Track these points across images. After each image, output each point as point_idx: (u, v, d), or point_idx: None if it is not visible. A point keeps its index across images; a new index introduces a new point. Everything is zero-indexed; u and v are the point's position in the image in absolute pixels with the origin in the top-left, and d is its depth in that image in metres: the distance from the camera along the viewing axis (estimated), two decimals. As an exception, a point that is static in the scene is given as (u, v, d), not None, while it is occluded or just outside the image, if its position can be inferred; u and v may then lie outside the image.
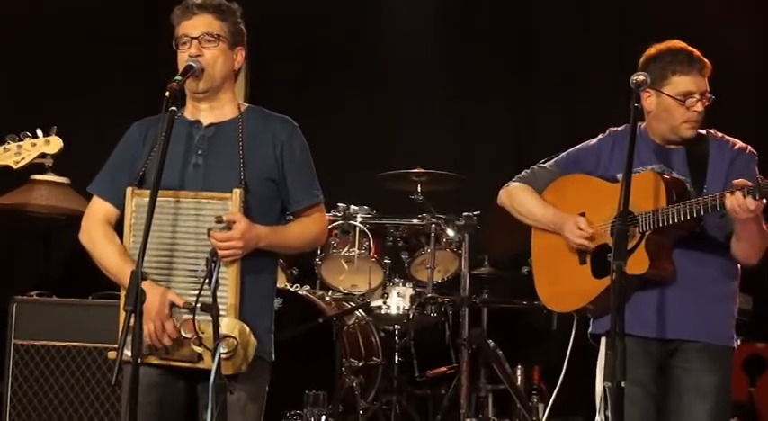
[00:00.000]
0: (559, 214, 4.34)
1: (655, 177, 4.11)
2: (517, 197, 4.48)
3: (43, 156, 4.37)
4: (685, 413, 4.08)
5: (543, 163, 4.51)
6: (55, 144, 4.35)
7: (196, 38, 3.98)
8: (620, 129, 4.32)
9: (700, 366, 4.10)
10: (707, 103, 4.18)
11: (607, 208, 4.12)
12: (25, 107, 7.65)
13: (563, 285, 4.36)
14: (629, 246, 3.93)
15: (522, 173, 4.54)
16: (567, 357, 4.34)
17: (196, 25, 4.00)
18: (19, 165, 4.36)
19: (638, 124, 4.19)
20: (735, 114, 7.82)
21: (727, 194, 3.87)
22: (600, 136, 4.40)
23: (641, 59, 4.26)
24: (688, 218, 3.96)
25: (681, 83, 4.16)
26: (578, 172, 4.37)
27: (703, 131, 4.25)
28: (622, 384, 3.49)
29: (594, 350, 4.22)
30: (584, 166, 4.36)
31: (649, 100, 4.21)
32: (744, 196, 3.83)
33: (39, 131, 4.34)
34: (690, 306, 4.10)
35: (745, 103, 7.71)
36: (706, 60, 4.20)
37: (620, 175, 4.09)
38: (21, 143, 4.32)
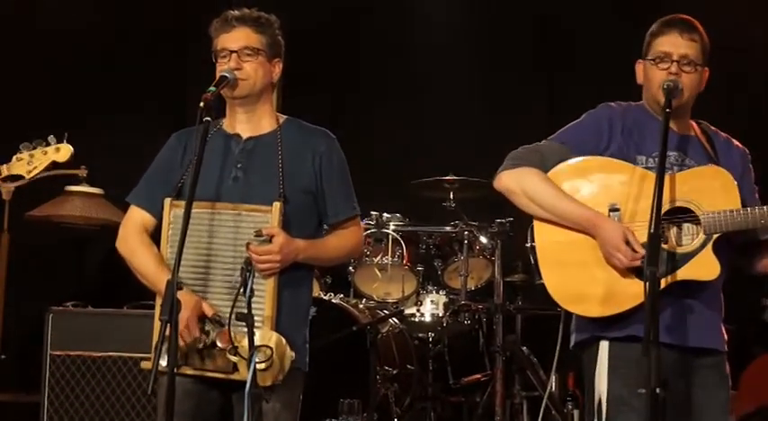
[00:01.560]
0: (597, 216, 3.84)
1: (723, 174, 3.83)
2: (530, 183, 3.92)
3: (55, 164, 4.40)
4: None
5: (543, 141, 4.02)
6: (65, 152, 4.38)
7: (235, 51, 4.00)
8: (621, 106, 4.03)
9: (715, 382, 3.91)
10: (688, 71, 3.88)
11: (647, 200, 3.70)
12: (62, 121, 7.68)
13: (593, 286, 3.84)
14: (689, 248, 3.78)
15: (517, 153, 4.00)
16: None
17: (235, 38, 4.02)
18: (31, 175, 4.40)
19: (634, 104, 4.03)
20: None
21: None
22: (598, 110, 4.04)
23: None
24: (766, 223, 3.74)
25: (658, 44, 3.92)
26: (587, 149, 3.93)
27: (694, 122, 4.06)
28: (657, 391, 3.39)
29: None
30: (593, 143, 3.93)
31: (639, 72, 4.01)
32: None
33: (51, 137, 4.36)
34: (707, 313, 3.89)
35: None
36: (698, 27, 3.94)
37: (640, 158, 3.88)
38: (33, 152, 4.36)
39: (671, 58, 3.89)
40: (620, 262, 3.77)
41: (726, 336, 3.96)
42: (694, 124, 4.06)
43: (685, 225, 3.81)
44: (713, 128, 4.08)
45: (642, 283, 3.57)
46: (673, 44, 3.91)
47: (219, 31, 4.05)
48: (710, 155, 3.96)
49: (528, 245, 3.98)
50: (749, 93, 7.91)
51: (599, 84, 7.87)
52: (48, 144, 4.38)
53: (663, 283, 3.66)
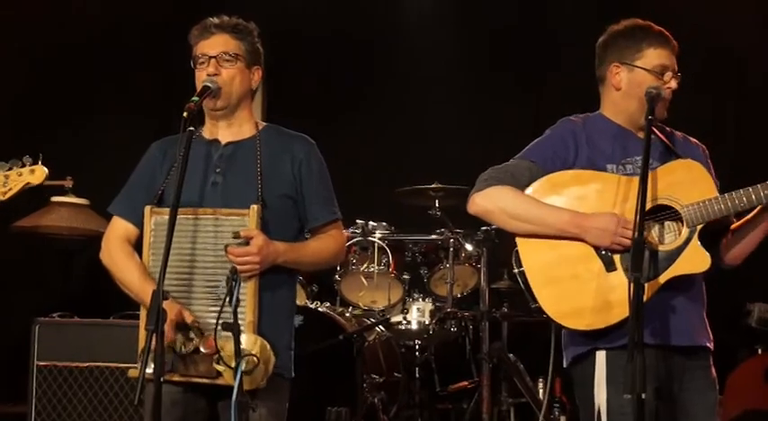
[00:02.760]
0: (580, 215, 3.78)
1: (694, 166, 3.83)
2: (506, 200, 3.85)
3: (28, 185, 4.40)
4: None
5: (510, 161, 3.96)
6: (39, 174, 4.38)
7: (214, 57, 4.01)
8: (580, 118, 4.01)
9: (705, 384, 3.88)
10: (677, 85, 3.94)
11: (626, 203, 3.76)
12: (48, 130, 7.71)
13: (588, 299, 3.77)
14: (675, 244, 3.76)
15: (486, 174, 3.93)
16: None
17: (214, 44, 4.04)
18: (6, 196, 4.39)
19: (591, 115, 4.04)
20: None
21: None
22: (560, 125, 4.00)
23: (604, 36, 4.05)
24: (747, 207, 3.75)
25: (656, 56, 3.92)
26: (556, 164, 3.88)
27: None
28: (643, 396, 3.36)
29: None
30: (561, 158, 3.88)
31: (618, 76, 3.96)
32: None
33: (27, 158, 4.36)
34: (696, 309, 3.87)
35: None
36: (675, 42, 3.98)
37: (610, 166, 3.86)
38: (8, 173, 4.35)
39: (673, 71, 3.94)
40: (622, 242, 3.72)
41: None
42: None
43: (666, 222, 3.80)
44: (668, 128, 4.07)
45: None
46: (668, 58, 3.94)
47: (199, 37, 4.07)
48: (674, 152, 3.95)
49: (516, 271, 3.91)
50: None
51: (583, 93, 7.89)
52: (23, 165, 4.37)
53: (662, 281, 3.69)
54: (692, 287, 3.86)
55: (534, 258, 3.87)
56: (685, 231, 3.78)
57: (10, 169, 4.37)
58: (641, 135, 3.88)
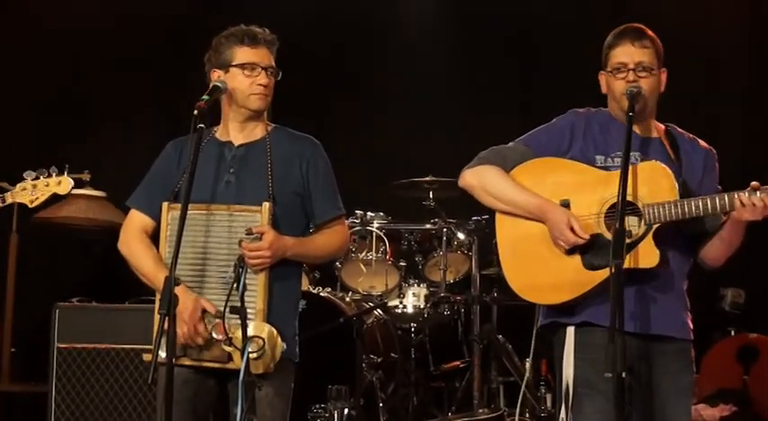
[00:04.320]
0: (546, 203, 3.87)
1: (662, 168, 3.82)
2: (489, 179, 3.97)
3: (55, 195, 4.44)
4: (668, 414, 3.84)
5: (510, 143, 4.05)
6: (65, 185, 4.44)
7: (265, 69, 4.06)
8: (586, 111, 4.05)
9: (678, 367, 3.88)
10: (645, 76, 3.88)
11: (593, 194, 3.84)
12: (69, 130, 7.72)
13: (545, 276, 3.89)
14: (633, 238, 3.75)
15: (483, 154, 4.05)
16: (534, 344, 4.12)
17: (263, 56, 4.09)
18: (34, 204, 4.45)
19: (599, 110, 4.04)
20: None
21: (744, 194, 3.68)
22: (565, 116, 4.06)
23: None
24: (702, 214, 3.73)
25: (613, 56, 3.93)
26: (549, 151, 3.96)
27: (662, 125, 4.04)
28: (623, 375, 3.38)
29: None
30: (555, 146, 3.96)
31: (601, 82, 4.01)
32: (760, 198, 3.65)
33: (53, 169, 4.39)
34: (663, 302, 3.84)
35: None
36: (649, 34, 3.94)
37: (599, 157, 3.91)
38: (36, 182, 4.39)
39: (627, 67, 3.91)
40: (564, 243, 3.81)
41: (690, 325, 3.94)
42: (660, 126, 4.06)
43: (630, 217, 3.75)
44: (680, 129, 4.07)
45: (588, 272, 3.78)
46: (627, 54, 3.92)
47: (245, 44, 4.07)
48: (670, 156, 3.95)
49: (494, 241, 4.05)
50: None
51: (572, 87, 7.87)
52: (49, 175, 4.41)
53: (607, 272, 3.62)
54: (657, 280, 3.84)
55: (505, 233, 4.00)
56: (642, 228, 3.79)
57: (37, 178, 4.41)
58: (641, 132, 3.96)
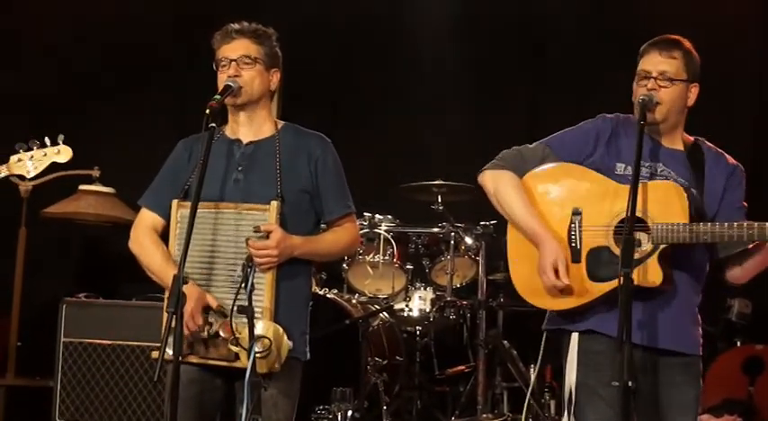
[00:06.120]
0: (542, 233, 3.85)
1: (677, 190, 3.77)
2: (502, 186, 3.95)
3: (55, 164, 4.39)
4: None
5: (534, 143, 4.03)
6: (65, 153, 4.39)
7: (234, 60, 4.03)
8: (614, 117, 4.00)
9: (683, 380, 3.85)
10: (665, 85, 3.86)
11: (605, 206, 3.82)
12: (77, 125, 7.72)
13: None
14: (639, 255, 3.70)
15: (505, 153, 4.03)
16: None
17: (235, 48, 4.05)
18: (31, 174, 4.39)
19: (629, 116, 3.98)
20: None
21: None
22: (593, 120, 4.02)
23: None
24: (711, 240, 3.69)
25: (641, 63, 3.91)
26: (571, 154, 3.93)
27: (691, 138, 4.00)
28: (630, 384, 3.36)
29: None
30: (578, 149, 3.94)
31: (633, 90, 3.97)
32: None
33: (47, 140, 4.36)
34: (673, 316, 3.81)
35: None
36: (684, 46, 3.92)
37: (619, 165, 3.87)
38: (32, 153, 4.35)
39: (650, 75, 3.88)
40: (545, 281, 3.80)
41: (700, 341, 3.91)
42: (689, 139, 4.01)
43: (638, 233, 3.72)
44: (709, 143, 4.01)
45: (592, 283, 3.76)
46: (652, 62, 3.89)
47: (221, 42, 4.08)
48: (691, 171, 3.91)
49: (504, 239, 4.05)
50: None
51: (578, 95, 7.88)
52: (44, 145, 4.37)
53: (613, 285, 3.61)
54: (662, 295, 3.80)
55: (515, 235, 3.98)
56: (650, 246, 3.75)
57: (29, 149, 4.37)
58: (665, 143, 3.93)
